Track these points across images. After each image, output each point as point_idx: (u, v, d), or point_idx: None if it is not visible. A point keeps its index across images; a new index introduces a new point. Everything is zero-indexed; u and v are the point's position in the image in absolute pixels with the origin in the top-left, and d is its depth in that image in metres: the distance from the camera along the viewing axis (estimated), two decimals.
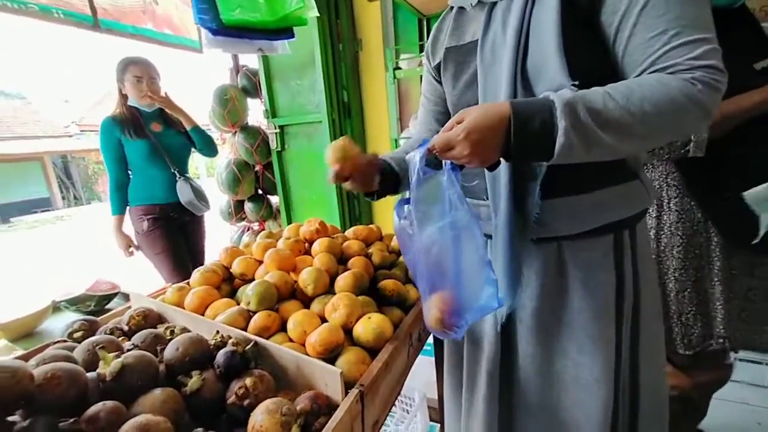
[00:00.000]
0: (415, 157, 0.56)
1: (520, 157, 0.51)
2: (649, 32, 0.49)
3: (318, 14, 1.43)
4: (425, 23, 1.91)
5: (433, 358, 1.08)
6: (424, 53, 0.80)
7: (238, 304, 0.78)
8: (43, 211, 11.68)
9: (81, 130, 14.25)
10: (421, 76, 1.93)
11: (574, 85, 0.50)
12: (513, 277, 0.64)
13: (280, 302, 0.75)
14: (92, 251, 6.03)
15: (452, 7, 0.73)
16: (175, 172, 1.75)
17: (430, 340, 1.04)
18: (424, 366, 1.16)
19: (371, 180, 0.73)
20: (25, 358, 0.62)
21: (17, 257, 6.37)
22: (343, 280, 0.78)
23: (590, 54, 0.54)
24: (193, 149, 1.88)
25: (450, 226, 0.55)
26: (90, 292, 1.14)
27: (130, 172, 1.75)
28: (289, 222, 2.33)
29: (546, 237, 0.63)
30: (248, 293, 0.73)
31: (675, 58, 0.47)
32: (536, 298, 0.65)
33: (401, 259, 0.96)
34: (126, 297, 1.19)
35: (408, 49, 1.90)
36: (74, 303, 1.13)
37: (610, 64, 0.55)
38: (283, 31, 1.49)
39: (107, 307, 1.18)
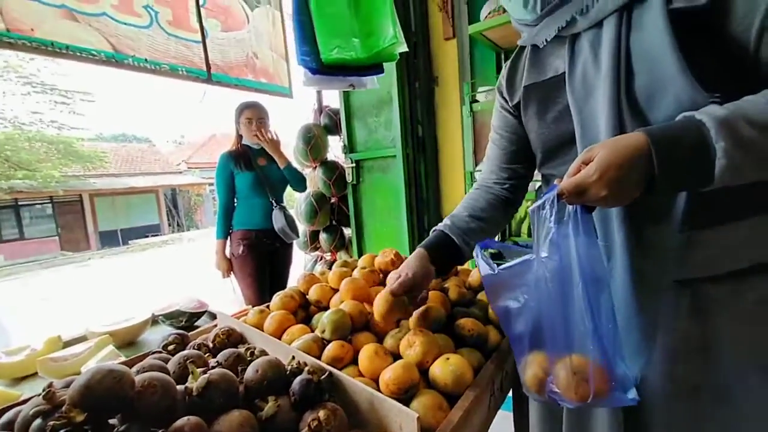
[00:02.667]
0: (545, 210, 0.51)
1: (668, 189, 0.46)
2: None
3: (407, 49, 1.51)
4: (503, 56, 1.90)
5: (512, 414, 0.96)
6: (497, 92, 0.79)
7: (313, 330, 0.78)
8: (153, 236, 13.64)
9: (188, 167, 16.65)
10: None
11: (716, 97, 0.44)
12: (639, 334, 0.56)
13: (353, 332, 0.74)
14: (189, 271, 6.80)
15: (522, 48, 0.72)
16: (272, 201, 1.97)
17: (510, 392, 0.93)
18: (499, 422, 1.03)
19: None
20: (128, 364, 0.68)
21: (131, 274, 7.43)
22: (417, 315, 0.74)
23: (714, 65, 0.48)
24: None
25: (574, 277, 0.49)
26: (183, 308, 1.25)
27: (236, 201, 1.99)
28: (360, 253, 2.37)
29: (680, 279, 0.53)
30: (323, 321, 0.73)
31: None
32: (671, 358, 0.54)
33: (480, 296, 0.90)
34: (212, 315, 1.29)
35: (485, 83, 1.89)
36: (169, 317, 1.24)
37: (740, 72, 0.48)
38: (373, 66, 1.60)
39: (197, 324, 1.28)
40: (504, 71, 0.77)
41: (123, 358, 0.89)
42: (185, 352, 0.63)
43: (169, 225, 15.40)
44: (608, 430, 0.59)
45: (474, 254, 0.62)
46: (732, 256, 0.51)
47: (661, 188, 0.44)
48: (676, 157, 0.43)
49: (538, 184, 0.80)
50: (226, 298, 2.13)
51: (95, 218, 13.11)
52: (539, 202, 0.53)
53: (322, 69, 1.48)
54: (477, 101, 1.68)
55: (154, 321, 1.26)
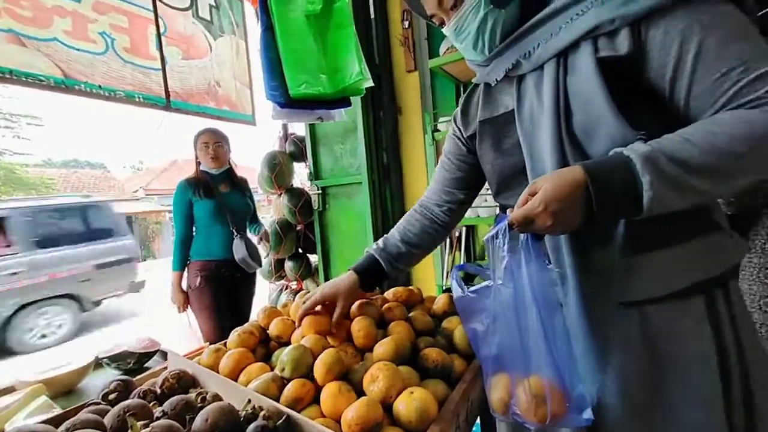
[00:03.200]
0: (498, 240, 0.55)
1: (605, 218, 0.49)
2: (711, 75, 0.48)
3: (373, 84, 1.57)
4: (462, 88, 2.00)
5: None
6: (452, 120, 0.85)
7: (272, 368, 0.74)
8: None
9: (146, 194, 15.87)
10: None
11: (642, 135, 0.49)
12: (593, 355, 0.58)
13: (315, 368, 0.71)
14: (145, 305, 6.32)
15: (476, 84, 0.78)
16: (233, 230, 1.88)
17: (478, 421, 0.91)
18: None
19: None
20: (61, 419, 0.61)
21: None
22: (382, 348, 0.72)
23: (641, 105, 0.53)
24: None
25: (528, 302, 0.52)
26: (131, 349, 1.15)
27: (194, 231, 1.91)
28: (326, 279, 2.32)
29: (624, 302, 0.56)
30: (283, 359, 0.69)
31: (752, 93, 0.46)
32: (622, 377, 0.56)
33: (445, 324, 0.89)
34: (164, 355, 1.19)
35: (446, 113, 1.97)
36: (115, 360, 1.14)
37: (663, 112, 0.53)
38: (341, 100, 1.64)
39: (147, 365, 1.18)
40: (460, 104, 0.82)
41: (58, 410, 0.80)
42: (127, 402, 0.57)
43: None
44: None
45: (451, 276, 0.63)
46: (671, 278, 0.55)
47: (599, 217, 0.49)
48: (609, 190, 0.47)
49: (497, 211, 0.84)
50: (184, 334, 1.99)
51: None
52: (492, 232, 0.56)
53: (291, 103, 1.51)
54: (438, 130, 1.75)
55: (98, 365, 1.15)
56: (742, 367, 0.54)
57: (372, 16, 2.06)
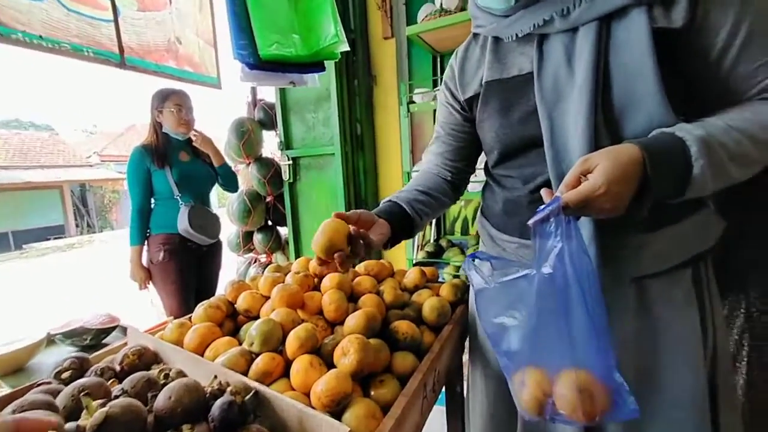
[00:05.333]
0: (550, 224, 0.49)
1: (653, 200, 0.48)
2: (753, 62, 0.49)
3: (348, 48, 1.49)
4: (439, 59, 1.96)
5: (444, 408, 0.99)
6: (443, 85, 0.77)
7: (241, 343, 0.72)
8: (56, 238, 11.88)
9: (101, 161, 14.81)
10: (434, 110, 1.96)
11: (681, 119, 0.49)
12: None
13: (285, 343, 0.70)
14: (99, 280, 6.01)
15: (476, 35, 0.70)
16: (180, 199, 1.75)
17: (444, 388, 0.95)
18: (434, 417, 1.05)
19: (377, 242, 0.65)
20: (8, 399, 0.57)
21: (24, 285, 6.38)
22: (353, 321, 0.72)
23: (679, 85, 0.53)
24: (217, 183, 1.95)
25: (575, 290, 0.47)
26: (87, 325, 1.09)
27: (153, 202, 1.78)
28: (297, 254, 2.30)
29: (636, 277, 0.58)
30: (251, 333, 0.68)
31: None
32: (618, 347, 0.58)
33: (414, 297, 0.91)
34: (124, 331, 1.14)
35: (422, 84, 1.93)
36: (70, 336, 1.08)
37: (697, 93, 0.54)
38: (314, 64, 1.55)
39: (105, 341, 1.13)
40: (454, 62, 0.73)
41: (7, 389, 0.75)
42: (82, 380, 0.54)
43: (77, 226, 13.55)
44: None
45: (463, 267, 0.59)
46: (671, 253, 0.57)
47: (647, 200, 0.47)
48: (665, 172, 0.46)
49: (477, 187, 0.81)
50: (145, 311, 1.91)
51: None
52: (541, 215, 0.50)
53: (260, 64, 1.41)
54: (414, 102, 1.71)
55: (50, 341, 1.08)
56: (714, 336, 0.59)
57: None
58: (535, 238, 0.51)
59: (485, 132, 0.69)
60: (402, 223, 0.71)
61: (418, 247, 1.96)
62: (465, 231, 2.07)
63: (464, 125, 0.75)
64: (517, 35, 0.59)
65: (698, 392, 0.57)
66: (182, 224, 1.71)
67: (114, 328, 1.15)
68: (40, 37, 1.56)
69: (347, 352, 0.63)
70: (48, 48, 1.59)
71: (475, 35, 0.71)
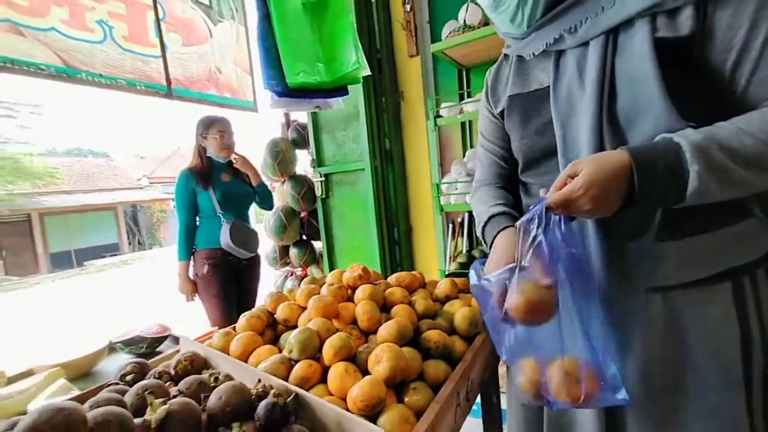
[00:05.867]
0: (533, 223, 0.52)
1: (645, 205, 0.49)
2: None
3: (370, 73, 1.56)
4: (465, 73, 1.98)
5: (481, 420, 0.98)
6: (482, 100, 0.80)
7: (281, 351, 0.77)
8: (111, 256, 12.84)
9: (150, 183, 15.93)
10: (461, 123, 1.98)
11: (690, 125, 0.48)
12: (614, 339, 0.57)
13: (322, 350, 0.74)
14: (151, 293, 6.43)
15: (506, 55, 0.74)
16: (222, 217, 1.88)
17: (478, 399, 0.95)
18: (470, 429, 1.05)
19: None
20: (81, 399, 0.65)
21: (85, 298, 6.94)
22: (386, 330, 0.75)
23: (691, 92, 0.51)
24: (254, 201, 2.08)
25: (562, 283, 0.50)
26: (143, 334, 1.19)
27: (198, 220, 1.93)
28: (331, 267, 2.36)
29: (651, 287, 0.56)
30: (291, 341, 0.72)
31: None
32: (644, 359, 0.57)
33: (446, 307, 0.92)
34: (176, 340, 1.23)
35: (448, 98, 1.96)
36: (128, 344, 1.18)
37: (714, 99, 0.52)
38: (338, 89, 1.64)
39: (158, 349, 1.22)
40: (488, 80, 0.78)
41: (77, 392, 0.84)
42: (144, 382, 0.60)
43: (129, 244, 14.58)
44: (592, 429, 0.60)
45: (471, 268, 0.62)
46: (700, 265, 0.54)
47: (639, 204, 0.48)
48: (654, 177, 0.46)
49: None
50: (191, 321, 2.03)
51: (45, 239, 12.18)
52: (528, 216, 0.53)
53: (288, 92, 1.50)
54: (441, 116, 1.74)
55: (111, 349, 1.19)
56: (765, 353, 0.55)
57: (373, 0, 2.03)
58: (519, 236, 0.54)
59: (512, 142, 0.73)
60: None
61: (450, 258, 1.96)
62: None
63: (504, 132, 0.77)
64: (534, 53, 0.63)
65: (734, 411, 0.53)
66: (224, 239, 1.84)
67: (166, 337, 1.25)
68: (101, 75, 1.76)
69: (380, 360, 0.66)
70: (106, 84, 1.79)
71: (506, 55, 0.75)
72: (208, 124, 1.89)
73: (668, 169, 0.45)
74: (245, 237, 1.92)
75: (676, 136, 0.46)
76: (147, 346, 1.18)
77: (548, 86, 0.61)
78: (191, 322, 2.02)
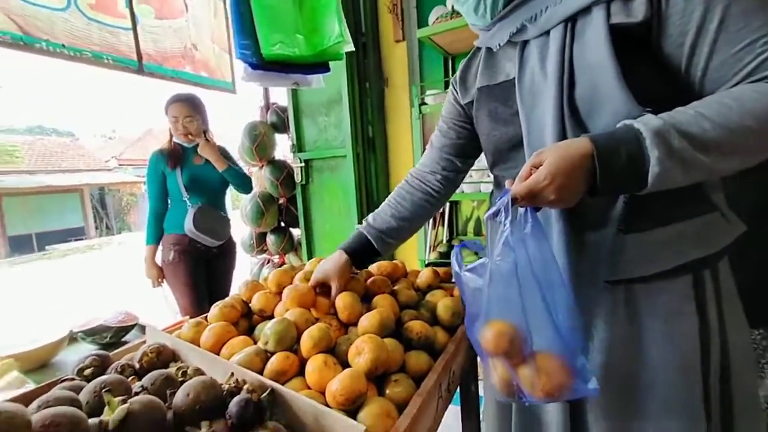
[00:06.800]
0: (500, 216, 0.51)
1: (608, 193, 0.48)
2: (733, 46, 0.46)
3: (354, 49, 1.49)
4: (450, 61, 1.95)
5: (459, 407, 0.98)
6: (451, 85, 0.81)
7: (256, 342, 0.73)
8: (76, 240, 12.22)
9: (119, 164, 15.21)
10: None
11: (648, 111, 0.47)
12: (581, 329, 0.57)
13: (299, 341, 0.70)
14: (118, 280, 6.17)
15: (479, 48, 0.74)
16: (188, 201, 1.78)
17: (458, 388, 0.94)
18: (447, 417, 1.04)
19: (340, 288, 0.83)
20: (30, 397, 0.59)
21: (47, 285, 6.59)
22: (367, 321, 0.72)
23: (649, 78, 0.51)
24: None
25: (528, 277, 0.49)
26: (107, 323, 1.12)
27: (169, 203, 1.83)
28: (310, 255, 2.31)
29: (613, 280, 0.56)
30: (266, 332, 0.69)
31: None
32: (605, 351, 0.57)
33: (428, 297, 0.90)
34: (143, 329, 1.17)
35: (433, 86, 1.93)
36: (91, 334, 1.11)
37: (673, 85, 0.52)
38: (319, 65, 1.55)
39: (124, 339, 1.16)
40: (459, 69, 0.78)
41: (32, 386, 0.78)
42: (104, 377, 0.55)
43: (96, 228, 13.92)
44: (556, 422, 0.61)
45: (452, 253, 0.61)
46: (661, 258, 0.54)
47: (602, 192, 0.48)
48: (616, 164, 0.46)
49: (491, 187, 0.82)
50: (163, 309, 1.95)
51: (2, 221, 11.44)
52: (494, 209, 0.52)
53: (263, 64, 1.41)
54: (426, 104, 1.71)
55: (72, 339, 1.12)
56: (723, 344, 0.55)
57: None
58: (487, 230, 0.53)
59: (480, 134, 0.73)
60: (367, 253, 0.86)
61: (430, 247, 1.96)
62: (478, 231, 2.05)
63: (467, 122, 0.79)
64: (500, 44, 0.63)
65: (692, 403, 0.54)
66: (188, 225, 1.75)
67: (133, 326, 1.18)
68: (63, 45, 1.62)
69: (361, 351, 0.63)
70: (70, 56, 1.65)
71: (478, 48, 0.74)
72: (166, 107, 1.77)
73: (629, 155, 0.45)
74: (213, 224, 1.82)
75: (636, 123, 0.46)
76: (111, 336, 1.12)
77: (514, 77, 0.61)
78: (163, 310, 1.94)
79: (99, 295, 5.41)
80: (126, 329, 1.16)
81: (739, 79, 0.47)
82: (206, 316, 0.85)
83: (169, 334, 0.77)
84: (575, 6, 0.52)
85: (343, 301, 0.79)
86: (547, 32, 0.56)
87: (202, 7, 2.31)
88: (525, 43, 0.60)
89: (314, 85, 1.63)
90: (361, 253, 0.85)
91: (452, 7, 1.60)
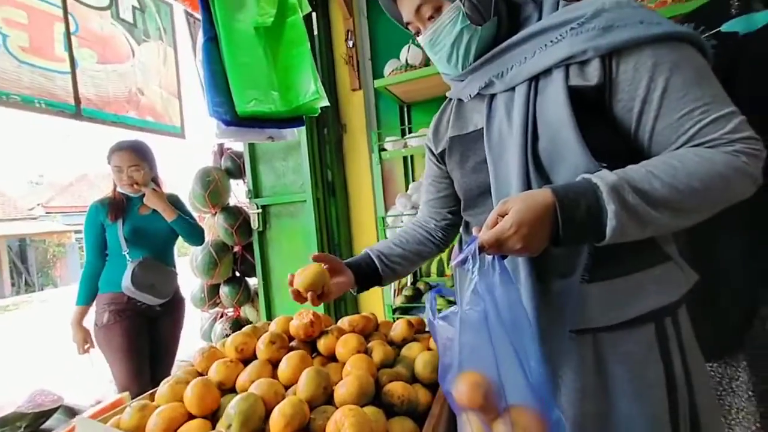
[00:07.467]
0: (468, 264, 0.52)
1: (570, 243, 0.50)
2: (675, 113, 0.51)
3: (328, 104, 1.51)
4: (406, 109, 2.04)
5: None
6: (425, 141, 0.85)
7: (215, 425, 0.64)
8: None
9: (47, 212, 13.75)
10: (404, 157, 2.01)
11: (603, 166, 0.50)
12: (552, 380, 0.56)
13: (269, 419, 0.62)
14: (38, 348, 5.32)
15: (450, 99, 0.78)
16: (128, 256, 1.59)
17: None
18: None
19: (345, 290, 0.79)
20: None
21: None
22: (344, 388, 0.66)
23: (605, 136, 0.55)
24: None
25: (498, 325, 0.49)
26: (22, 409, 0.94)
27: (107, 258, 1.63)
28: (268, 305, 2.17)
29: (580, 329, 0.57)
30: (229, 412, 0.60)
31: (711, 133, 0.50)
32: (576, 403, 0.56)
33: (404, 352, 0.86)
34: (70, 412, 0.99)
35: (390, 132, 1.99)
36: (2, 425, 0.91)
37: (627, 143, 0.56)
38: (293, 119, 1.55)
39: (45, 426, 0.97)
40: (432, 122, 0.82)
41: None
42: None
43: (13, 285, 12.21)
44: None
45: (426, 300, 0.58)
46: (623, 306, 0.56)
47: (564, 242, 0.50)
48: (576, 215, 0.48)
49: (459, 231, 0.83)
50: (95, 383, 1.68)
51: None
52: (462, 256, 0.53)
53: (237, 120, 1.39)
54: (385, 149, 1.74)
55: None
56: (690, 390, 0.57)
57: (315, 33, 2.03)
58: (456, 278, 0.53)
59: (454, 182, 0.77)
60: (368, 273, 0.82)
61: (395, 291, 1.92)
62: (441, 272, 2.06)
63: (443, 177, 0.83)
64: (470, 96, 0.67)
65: None
66: (125, 282, 1.54)
67: (55, 409, 1.00)
68: None
69: (341, 427, 0.57)
70: None
71: (450, 99, 0.79)
72: (108, 155, 1.63)
73: (588, 207, 0.48)
74: (155, 279, 1.61)
75: (593, 177, 0.49)
76: (27, 425, 0.93)
77: (482, 128, 0.64)
78: (94, 385, 1.67)
79: (13, 368, 4.59)
80: (47, 414, 0.97)
81: (681, 142, 0.52)
82: (153, 395, 0.74)
83: (104, 426, 0.64)
84: (538, 66, 0.57)
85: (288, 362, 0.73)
86: (513, 88, 0.61)
87: (151, 54, 2.25)
88: (492, 96, 0.64)
89: (289, 137, 1.64)
90: (363, 268, 0.82)
91: (406, 60, 1.69)
